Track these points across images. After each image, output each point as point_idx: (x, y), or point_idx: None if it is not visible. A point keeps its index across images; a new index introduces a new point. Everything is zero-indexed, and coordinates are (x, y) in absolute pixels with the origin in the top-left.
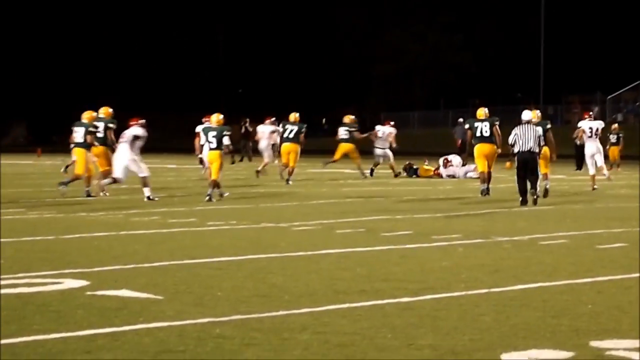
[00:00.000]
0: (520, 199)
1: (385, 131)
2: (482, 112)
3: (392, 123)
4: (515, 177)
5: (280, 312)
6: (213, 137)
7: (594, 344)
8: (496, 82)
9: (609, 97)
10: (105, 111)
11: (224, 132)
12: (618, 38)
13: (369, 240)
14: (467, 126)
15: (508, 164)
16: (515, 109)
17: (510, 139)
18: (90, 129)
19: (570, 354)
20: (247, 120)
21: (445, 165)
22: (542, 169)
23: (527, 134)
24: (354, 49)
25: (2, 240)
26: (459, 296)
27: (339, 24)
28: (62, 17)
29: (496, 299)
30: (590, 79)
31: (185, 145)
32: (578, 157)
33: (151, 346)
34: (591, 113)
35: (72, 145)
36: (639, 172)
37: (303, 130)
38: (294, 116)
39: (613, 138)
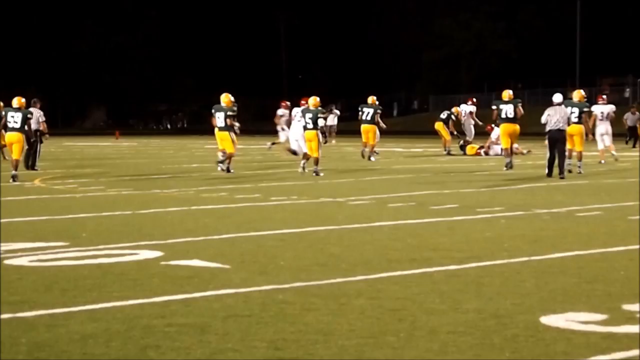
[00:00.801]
0: (547, 171)
1: (466, 110)
2: (506, 94)
3: (474, 100)
4: (547, 152)
5: (338, 280)
6: (309, 118)
7: (626, 307)
8: (535, 67)
9: None
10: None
11: (319, 114)
12: None
13: (418, 213)
14: (493, 107)
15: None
16: (553, 91)
17: (543, 119)
18: (229, 112)
19: (604, 317)
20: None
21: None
22: (577, 146)
23: (557, 114)
24: (406, 37)
25: (84, 215)
26: (502, 264)
27: (393, 14)
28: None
29: (536, 267)
30: (623, 62)
31: (250, 127)
32: (631, 136)
33: (220, 311)
34: (604, 96)
35: (215, 129)
36: None
37: (378, 111)
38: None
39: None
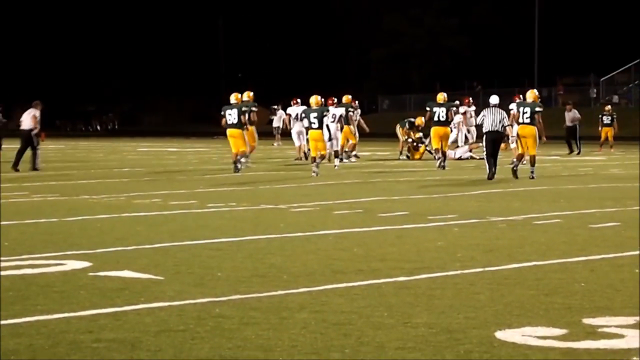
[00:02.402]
0: (488, 173)
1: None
2: (441, 96)
3: (471, 100)
4: (484, 154)
5: (279, 292)
6: (314, 117)
7: (587, 321)
8: (491, 65)
9: (603, 79)
10: (247, 95)
11: (324, 112)
12: (611, 20)
13: (365, 221)
14: (427, 108)
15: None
16: (511, 92)
17: (479, 120)
18: (244, 108)
19: (563, 331)
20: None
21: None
22: (531, 149)
23: (493, 115)
24: (352, 33)
25: (6, 222)
26: (454, 275)
27: (337, 8)
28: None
29: (491, 278)
30: (584, 61)
31: (185, 129)
32: (568, 140)
33: (152, 325)
34: (521, 95)
35: (226, 127)
36: (639, 154)
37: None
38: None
39: (606, 119)
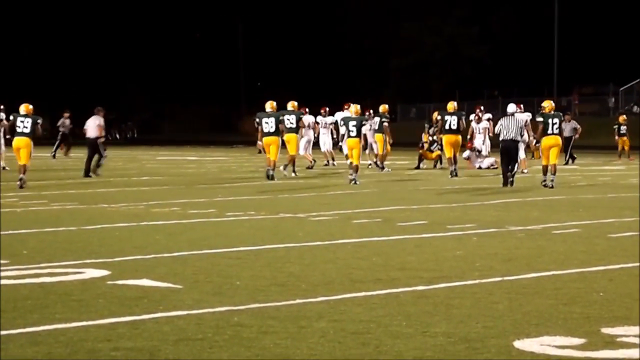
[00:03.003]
0: (503, 181)
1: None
2: (451, 105)
3: (482, 108)
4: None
5: (297, 301)
6: (353, 126)
7: (605, 330)
8: (510, 74)
9: (622, 88)
10: (292, 104)
11: (363, 122)
12: (631, 29)
13: (384, 230)
14: (439, 117)
15: None
16: (530, 100)
17: (496, 129)
18: (281, 117)
19: (582, 341)
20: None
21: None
22: (555, 159)
23: (510, 124)
24: (372, 42)
25: (25, 231)
26: (473, 284)
27: (357, 18)
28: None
29: (509, 287)
30: (603, 70)
31: (204, 138)
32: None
33: (170, 334)
34: (482, 108)
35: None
36: None
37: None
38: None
39: (622, 129)
